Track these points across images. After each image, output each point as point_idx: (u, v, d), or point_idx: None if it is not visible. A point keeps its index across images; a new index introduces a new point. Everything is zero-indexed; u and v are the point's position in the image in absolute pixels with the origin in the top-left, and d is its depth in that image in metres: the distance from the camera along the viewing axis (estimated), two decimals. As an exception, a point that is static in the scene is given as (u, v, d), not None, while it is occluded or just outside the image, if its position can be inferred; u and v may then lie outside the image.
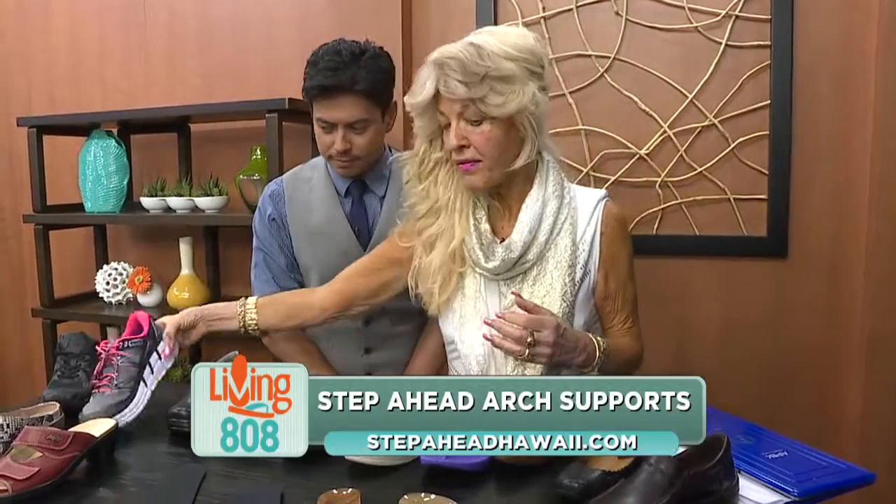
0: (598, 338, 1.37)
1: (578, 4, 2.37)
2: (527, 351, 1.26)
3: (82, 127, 2.80)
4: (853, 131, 2.16)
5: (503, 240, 1.43)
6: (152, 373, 1.52)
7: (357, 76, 1.60)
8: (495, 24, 2.46)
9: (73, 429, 1.33)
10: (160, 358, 1.53)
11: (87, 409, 1.46)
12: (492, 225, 1.45)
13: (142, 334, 1.51)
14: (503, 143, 1.36)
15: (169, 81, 2.86)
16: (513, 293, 1.36)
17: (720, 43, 2.24)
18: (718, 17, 2.23)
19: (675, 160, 2.31)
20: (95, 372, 1.51)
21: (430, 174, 1.45)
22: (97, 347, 1.54)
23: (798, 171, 2.22)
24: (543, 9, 2.42)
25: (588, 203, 1.45)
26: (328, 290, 1.60)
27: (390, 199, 1.77)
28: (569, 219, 1.42)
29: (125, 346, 1.50)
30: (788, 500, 1.10)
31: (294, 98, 2.34)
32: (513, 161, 1.38)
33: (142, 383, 1.50)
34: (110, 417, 1.42)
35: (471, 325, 1.43)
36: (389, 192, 1.78)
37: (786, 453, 1.23)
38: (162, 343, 1.52)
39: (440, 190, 1.44)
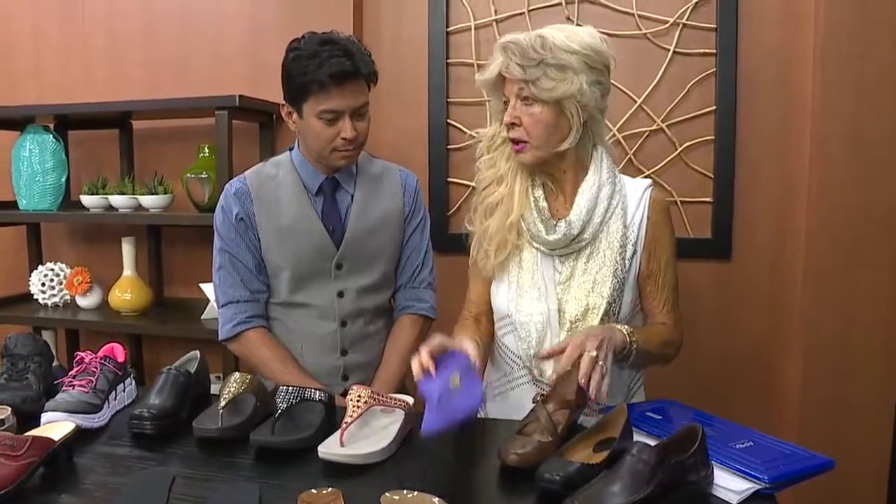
0: (626, 328, 1.45)
1: (530, 8, 2.41)
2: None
3: (15, 121, 2.67)
4: (792, 136, 2.26)
5: (559, 220, 1.54)
6: (115, 399, 1.56)
7: (362, 61, 1.64)
8: (447, 24, 2.48)
9: (30, 433, 1.26)
10: (124, 389, 1.60)
11: (59, 398, 1.45)
12: (547, 205, 1.59)
13: (120, 361, 1.60)
14: (550, 126, 1.48)
15: (110, 75, 2.76)
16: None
17: (668, 50, 2.32)
18: (667, 25, 2.31)
19: (623, 163, 2.37)
20: (72, 374, 1.51)
21: (498, 148, 1.60)
22: (79, 355, 1.57)
23: (741, 175, 2.31)
24: (495, 11, 2.45)
25: (636, 190, 1.58)
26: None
27: (360, 196, 1.78)
28: (620, 203, 1.55)
29: (107, 360, 1.57)
30: (759, 486, 1.14)
31: (245, 95, 2.30)
32: (558, 144, 1.49)
33: (107, 402, 1.53)
34: (80, 414, 1.41)
35: (528, 295, 1.56)
36: (358, 190, 1.78)
37: (752, 443, 1.27)
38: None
39: (503, 161, 1.58)
